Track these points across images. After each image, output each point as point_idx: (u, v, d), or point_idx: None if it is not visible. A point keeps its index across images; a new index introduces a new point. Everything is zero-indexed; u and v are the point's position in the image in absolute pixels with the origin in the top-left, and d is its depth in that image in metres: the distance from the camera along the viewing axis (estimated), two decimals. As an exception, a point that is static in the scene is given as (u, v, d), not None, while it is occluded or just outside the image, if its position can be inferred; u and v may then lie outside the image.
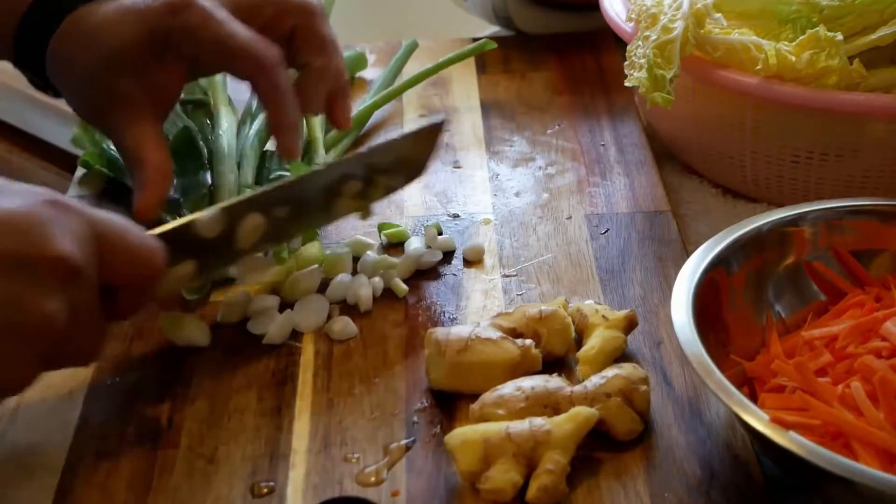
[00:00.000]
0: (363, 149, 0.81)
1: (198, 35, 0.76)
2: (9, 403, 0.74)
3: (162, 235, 0.69)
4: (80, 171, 0.97)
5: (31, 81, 0.85)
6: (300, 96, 0.78)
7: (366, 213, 0.83)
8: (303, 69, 0.80)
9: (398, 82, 1.05)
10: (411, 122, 1.04)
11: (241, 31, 0.76)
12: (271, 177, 0.90)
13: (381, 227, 0.88)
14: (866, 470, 0.57)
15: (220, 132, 0.92)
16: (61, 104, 1.10)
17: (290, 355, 0.77)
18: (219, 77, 0.99)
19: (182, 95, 1.02)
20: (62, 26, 0.79)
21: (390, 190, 0.85)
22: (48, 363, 0.63)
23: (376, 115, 1.04)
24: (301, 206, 0.78)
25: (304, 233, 0.84)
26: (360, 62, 1.10)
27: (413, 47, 1.09)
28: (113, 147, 0.96)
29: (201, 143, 0.93)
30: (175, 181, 0.91)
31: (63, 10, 0.79)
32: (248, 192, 0.78)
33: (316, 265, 0.83)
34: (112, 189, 0.94)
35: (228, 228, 0.74)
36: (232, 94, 0.99)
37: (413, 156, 0.84)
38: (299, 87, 0.79)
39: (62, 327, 0.60)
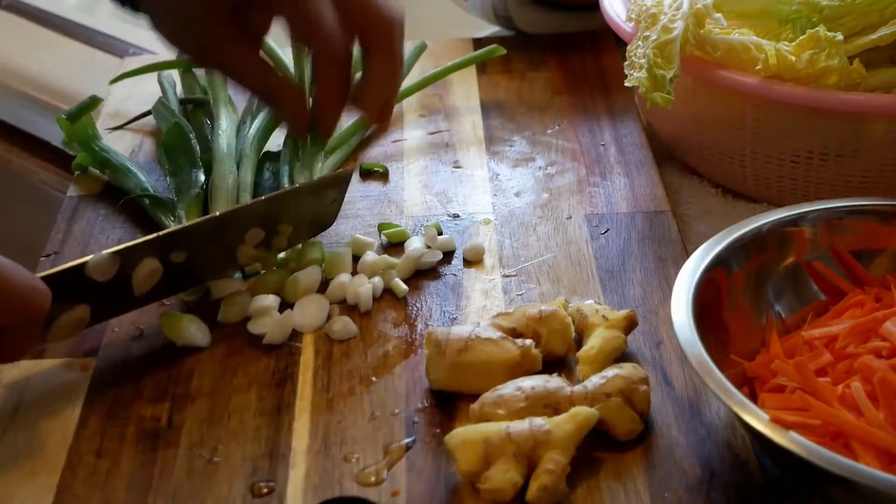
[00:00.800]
0: (266, 196, 0.80)
1: (287, 8, 0.75)
2: (9, 403, 0.74)
3: (51, 277, 0.69)
4: (77, 173, 0.97)
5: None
6: (355, 97, 0.79)
7: (270, 262, 0.83)
8: (366, 74, 0.79)
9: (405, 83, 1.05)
10: (412, 123, 1.04)
11: (328, 16, 0.75)
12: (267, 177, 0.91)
13: (380, 227, 0.88)
14: (866, 470, 0.57)
15: (220, 132, 0.92)
16: (61, 105, 1.10)
17: (290, 355, 0.77)
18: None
19: (181, 94, 1.03)
20: None
21: (294, 240, 0.83)
22: None
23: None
24: (199, 253, 0.78)
25: (207, 281, 0.81)
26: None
27: (421, 49, 1.08)
28: (103, 148, 0.96)
29: (194, 140, 0.93)
30: (168, 180, 0.91)
31: None
32: (148, 236, 0.76)
33: (316, 265, 0.83)
34: (110, 190, 0.94)
35: (123, 273, 0.73)
36: (232, 93, 0.99)
37: (320, 206, 0.84)
38: (356, 90, 0.79)
39: None
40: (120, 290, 0.74)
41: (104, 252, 0.72)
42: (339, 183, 0.84)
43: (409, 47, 1.12)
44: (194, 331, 0.77)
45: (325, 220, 0.86)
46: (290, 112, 0.79)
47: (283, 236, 0.82)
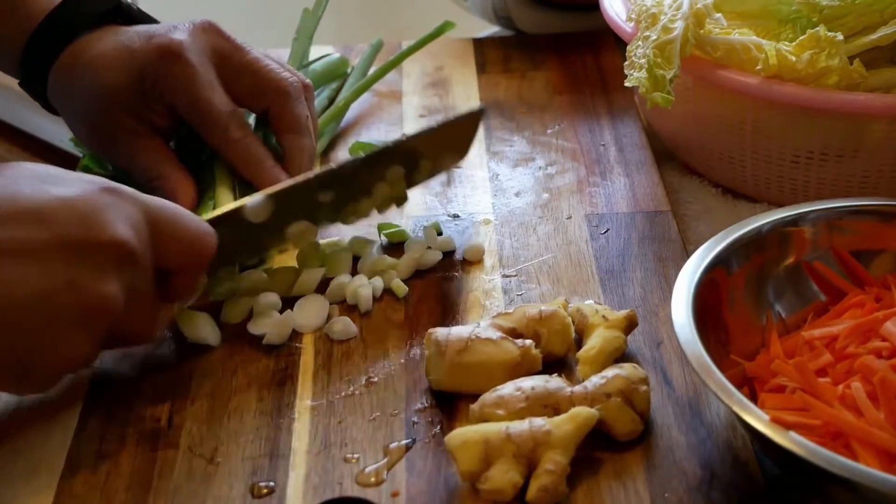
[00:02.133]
0: (402, 136, 0.84)
1: (179, 91, 0.81)
2: (9, 403, 0.74)
3: (212, 221, 0.73)
4: (79, 171, 0.97)
5: (36, 99, 0.88)
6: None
7: (402, 199, 0.86)
8: (279, 143, 0.85)
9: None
10: (411, 123, 1.04)
11: (219, 101, 0.81)
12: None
13: (380, 228, 0.88)
14: (866, 470, 0.57)
15: None
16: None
17: (290, 355, 0.77)
18: None
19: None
20: (61, 58, 0.83)
21: (431, 174, 0.88)
22: (107, 343, 0.67)
23: (375, 115, 1.04)
24: (344, 191, 0.82)
25: (345, 219, 0.85)
26: (343, 65, 1.09)
27: (378, 47, 1.09)
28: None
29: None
30: None
31: (65, 39, 0.83)
32: (299, 178, 0.81)
33: (318, 265, 0.83)
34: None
35: (275, 215, 0.78)
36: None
37: (453, 142, 0.87)
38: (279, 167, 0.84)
39: (119, 309, 0.64)
40: (271, 229, 0.80)
41: (259, 194, 0.78)
42: (472, 120, 0.87)
43: (406, 44, 1.13)
44: (209, 330, 0.77)
45: (459, 154, 0.89)
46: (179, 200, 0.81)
47: (422, 171, 0.87)
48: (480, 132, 1.01)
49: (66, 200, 0.63)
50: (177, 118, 0.84)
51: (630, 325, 0.75)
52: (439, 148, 0.87)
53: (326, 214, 0.83)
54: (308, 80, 0.88)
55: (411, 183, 0.86)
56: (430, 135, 0.85)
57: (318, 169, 0.82)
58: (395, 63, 1.05)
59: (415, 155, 0.85)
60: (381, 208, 0.86)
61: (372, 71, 1.05)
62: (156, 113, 0.83)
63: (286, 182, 0.80)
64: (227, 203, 0.82)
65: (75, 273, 0.63)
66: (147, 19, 0.87)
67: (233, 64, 0.83)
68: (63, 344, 0.64)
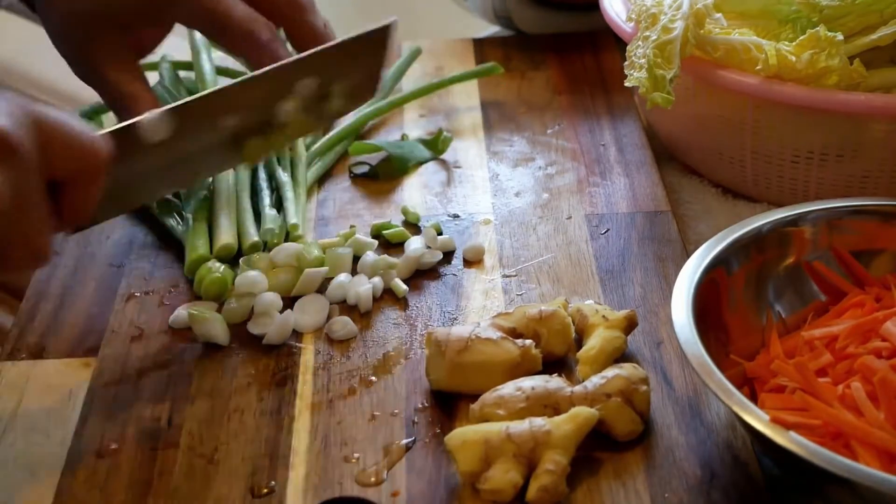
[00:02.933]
0: (309, 52, 0.79)
1: (195, 8, 0.77)
2: (9, 403, 0.74)
3: (108, 133, 0.68)
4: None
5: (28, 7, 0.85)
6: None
7: (326, 123, 0.83)
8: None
9: (400, 86, 1.05)
10: (411, 123, 1.04)
11: (236, 6, 0.77)
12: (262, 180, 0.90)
13: (381, 227, 0.88)
14: (866, 470, 0.57)
15: None
16: (61, 105, 1.10)
17: (290, 355, 0.77)
18: (210, 78, 0.99)
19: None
20: None
21: (346, 106, 0.83)
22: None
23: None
24: (249, 115, 0.77)
25: (265, 147, 0.80)
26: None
27: (416, 53, 1.09)
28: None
29: None
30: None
31: None
32: (200, 94, 0.75)
33: (320, 266, 0.83)
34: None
35: (176, 134, 0.72)
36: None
37: (365, 61, 0.82)
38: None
39: (4, 206, 0.59)
40: (169, 150, 0.73)
41: (159, 110, 0.71)
42: (381, 37, 0.82)
43: (410, 47, 1.12)
44: (219, 328, 0.78)
45: (372, 82, 0.84)
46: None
47: (335, 99, 0.81)
48: (480, 132, 1.01)
49: None
50: (158, 39, 0.82)
51: (630, 325, 0.75)
52: (349, 66, 0.81)
53: (230, 143, 0.77)
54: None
55: (328, 108, 0.81)
56: (336, 49, 0.80)
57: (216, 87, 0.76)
58: (431, 89, 1.04)
59: (325, 70, 0.79)
60: (302, 130, 0.81)
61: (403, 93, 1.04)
62: (153, 30, 0.81)
63: (185, 99, 0.73)
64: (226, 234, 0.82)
65: None
66: None
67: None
68: None
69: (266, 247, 0.85)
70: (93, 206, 0.67)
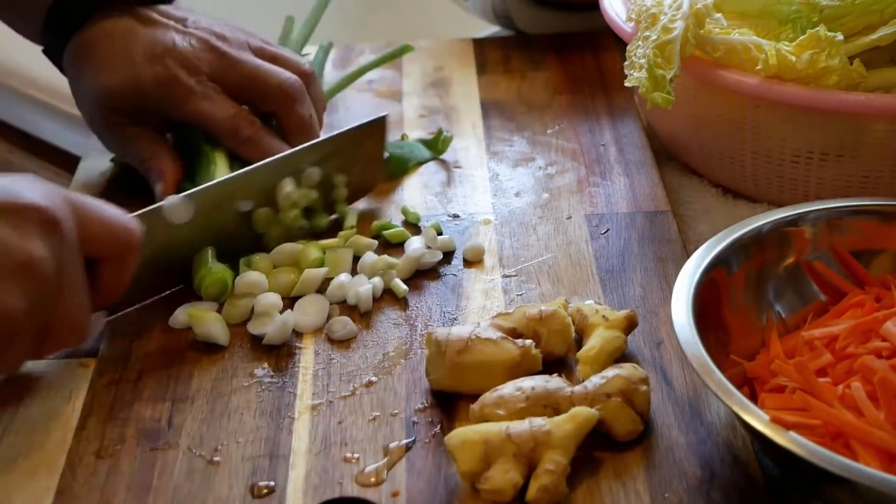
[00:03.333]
0: (313, 142, 0.86)
1: (180, 111, 0.87)
2: (9, 403, 0.74)
3: (136, 215, 0.74)
4: (80, 172, 0.97)
5: (58, 68, 0.93)
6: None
7: (340, 212, 0.88)
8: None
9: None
10: (411, 123, 1.04)
11: (220, 109, 0.87)
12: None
13: (380, 227, 0.88)
14: (866, 470, 0.57)
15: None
16: (61, 105, 1.11)
17: (290, 355, 0.77)
18: None
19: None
20: (72, 42, 0.88)
21: (352, 196, 0.89)
22: (39, 340, 0.67)
23: (374, 114, 1.04)
24: (262, 203, 0.83)
25: (278, 232, 0.85)
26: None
27: (327, 50, 1.09)
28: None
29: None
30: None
31: (79, 18, 0.88)
32: (217, 180, 0.83)
33: (321, 267, 0.83)
34: (111, 190, 0.94)
35: (196, 217, 0.79)
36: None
37: (362, 152, 0.88)
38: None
39: (49, 275, 0.64)
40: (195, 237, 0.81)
41: (180, 195, 0.79)
42: (376, 129, 0.88)
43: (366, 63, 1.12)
44: (219, 329, 0.78)
45: (373, 172, 0.90)
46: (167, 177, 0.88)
47: (340, 188, 0.87)
48: (480, 132, 1.01)
49: None
50: (167, 120, 0.89)
51: (630, 325, 0.75)
52: (348, 157, 0.87)
53: (244, 230, 0.84)
54: (309, 67, 0.92)
55: (333, 201, 0.88)
56: (334, 141, 0.86)
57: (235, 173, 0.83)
58: (353, 77, 1.05)
59: (327, 162, 0.86)
60: (314, 223, 0.87)
61: (334, 81, 1.05)
62: (148, 118, 0.88)
63: (203, 186, 0.81)
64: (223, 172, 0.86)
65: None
66: None
67: (232, 79, 0.88)
68: None
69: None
70: (126, 283, 0.73)
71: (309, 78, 0.91)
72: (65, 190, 0.69)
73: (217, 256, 0.81)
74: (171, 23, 0.89)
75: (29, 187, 0.66)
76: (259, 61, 0.89)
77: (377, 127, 0.89)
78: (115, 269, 0.72)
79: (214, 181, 0.82)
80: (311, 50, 1.07)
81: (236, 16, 0.97)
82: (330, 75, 1.09)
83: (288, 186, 0.83)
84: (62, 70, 0.91)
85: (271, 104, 0.89)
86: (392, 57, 1.06)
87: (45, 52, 0.91)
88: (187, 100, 0.86)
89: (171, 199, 0.78)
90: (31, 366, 0.77)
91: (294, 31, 1.05)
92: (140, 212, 0.76)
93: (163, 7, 0.90)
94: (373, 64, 1.05)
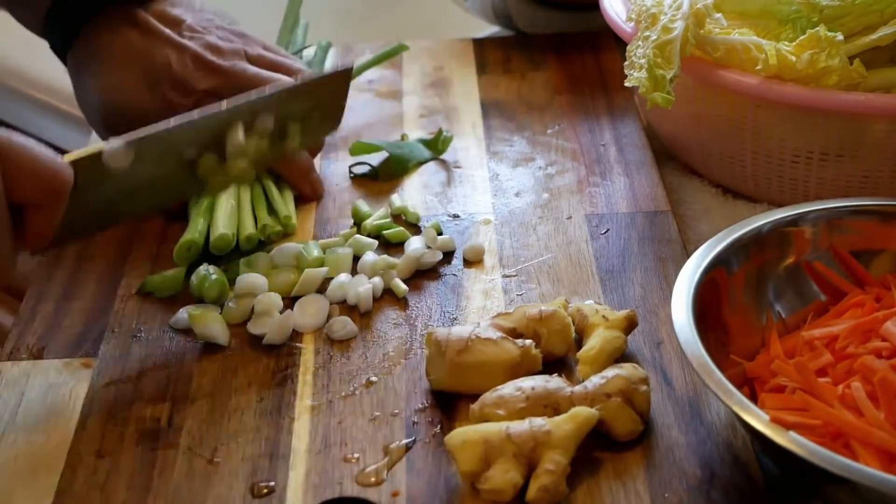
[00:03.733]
0: (268, 91, 0.81)
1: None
2: (9, 403, 0.74)
3: (72, 162, 0.69)
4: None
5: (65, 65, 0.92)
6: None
7: (285, 154, 0.85)
8: None
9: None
10: (411, 123, 1.04)
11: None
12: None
13: (380, 227, 0.88)
14: (866, 470, 0.57)
15: None
16: (61, 105, 1.11)
17: (290, 355, 0.77)
18: None
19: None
20: (75, 47, 0.88)
21: (305, 141, 0.87)
22: None
23: (375, 115, 1.04)
24: (210, 148, 0.79)
25: (209, 187, 0.82)
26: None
27: (326, 48, 1.08)
28: None
29: None
30: None
31: (79, 20, 0.88)
32: (161, 124, 0.76)
33: (321, 267, 0.83)
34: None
35: (137, 163, 0.74)
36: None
37: (323, 104, 0.86)
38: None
39: None
40: (136, 186, 0.76)
41: (120, 139, 0.73)
42: (338, 79, 0.86)
43: (409, 47, 1.12)
44: (219, 329, 0.78)
45: (333, 119, 0.88)
46: None
47: (294, 138, 0.84)
48: (480, 132, 1.01)
49: None
50: None
51: (630, 325, 0.75)
52: (308, 108, 0.85)
53: (193, 172, 0.79)
54: (301, 66, 0.91)
55: (283, 146, 0.84)
56: (294, 89, 0.83)
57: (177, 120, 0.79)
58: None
59: (283, 110, 0.82)
60: (257, 166, 0.83)
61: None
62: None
63: (147, 129, 0.76)
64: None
65: None
66: None
67: (229, 91, 0.86)
68: None
69: (263, 242, 0.86)
70: (53, 229, 0.69)
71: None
72: None
73: (155, 201, 0.80)
74: (168, 32, 0.88)
75: None
76: (254, 69, 0.89)
77: (341, 77, 0.87)
78: (42, 215, 0.68)
79: (160, 127, 0.76)
80: (309, 50, 1.07)
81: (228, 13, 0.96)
82: None
83: (238, 134, 0.79)
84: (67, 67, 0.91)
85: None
86: (387, 56, 1.06)
87: (52, 47, 0.91)
88: (185, 106, 0.86)
89: (112, 144, 0.73)
90: (31, 366, 0.77)
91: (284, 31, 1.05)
92: (76, 155, 0.71)
93: (162, 8, 0.89)
94: (368, 64, 1.05)
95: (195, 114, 0.77)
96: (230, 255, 0.85)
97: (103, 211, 0.76)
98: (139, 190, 0.76)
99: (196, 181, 0.80)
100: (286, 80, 0.88)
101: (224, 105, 0.78)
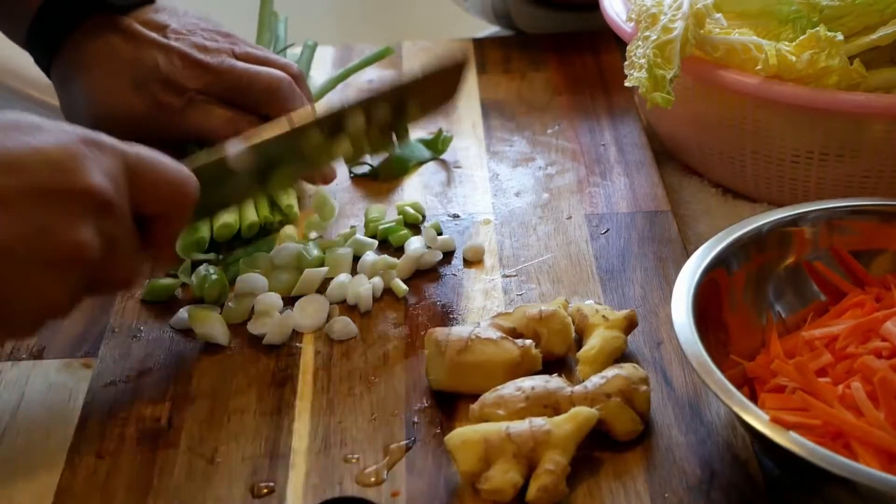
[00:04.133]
0: (388, 86, 0.84)
1: (174, 128, 0.87)
2: (9, 403, 0.74)
3: (195, 170, 0.72)
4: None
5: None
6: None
7: (403, 137, 0.86)
8: None
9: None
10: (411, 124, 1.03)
11: (213, 118, 0.87)
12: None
13: (389, 232, 0.88)
14: (866, 470, 0.57)
15: None
16: (56, 103, 1.10)
17: (290, 355, 0.77)
18: None
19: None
20: (57, 61, 0.88)
21: (420, 117, 0.87)
22: (90, 289, 0.67)
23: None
24: (334, 135, 0.82)
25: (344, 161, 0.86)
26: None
27: (313, 48, 1.08)
28: None
29: None
30: None
31: (61, 34, 0.87)
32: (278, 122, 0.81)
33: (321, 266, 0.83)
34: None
35: (259, 167, 0.79)
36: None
37: (439, 89, 0.87)
38: None
39: (97, 255, 0.64)
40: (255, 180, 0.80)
41: (242, 144, 0.77)
42: (458, 68, 0.87)
43: (409, 47, 1.12)
44: (219, 329, 0.78)
45: (446, 100, 0.88)
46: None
47: (411, 112, 0.85)
48: (480, 132, 1.01)
49: (41, 149, 0.64)
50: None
51: (630, 325, 0.75)
52: (426, 94, 0.86)
53: (316, 158, 0.83)
54: (297, 69, 0.91)
55: (400, 126, 0.86)
56: (416, 81, 0.85)
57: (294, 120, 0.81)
58: (339, 80, 1.04)
59: (402, 100, 0.84)
60: (375, 150, 0.86)
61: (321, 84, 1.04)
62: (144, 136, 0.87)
63: (269, 132, 0.80)
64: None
65: (47, 220, 0.63)
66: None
67: (220, 88, 0.87)
68: (36, 289, 0.63)
69: (265, 229, 0.87)
70: (177, 240, 0.73)
71: (299, 79, 0.91)
72: (123, 148, 0.68)
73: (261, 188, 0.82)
74: (153, 35, 0.87)
75: (86, 160, 0.64)
76: (243, 65, 0.88)
77: (456, 70, 0.87)
78: (168, 227, 0.71)
79: (281, 130, 0.80)
80: (296, 50, 1.07)
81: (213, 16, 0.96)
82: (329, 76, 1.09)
83: (360, 118, 0.82)
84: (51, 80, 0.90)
85: (264, 105, 0.88)
86: (373, 60, 1.06)
87: (36, 61, 0.91)
88: (179, 118, 0.86)
89: (235, 148, 0.77)
90: (31, 366, 0.77)
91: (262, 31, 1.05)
92: (200, 163, 0.75)
93: (145, 16, 0.89)
94: (356, 67, 1.05)
95: (316, 109, 0.81)
96: (232, 246, 0.85)
97: (215, 209, 0.81)
98: (252, 183, 0.80)
99: (302, 161, 0.83)
100: (290, 88, 0.88)
101: (341, 103, 0.82)
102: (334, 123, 0.81)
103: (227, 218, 0.84)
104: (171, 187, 0.70)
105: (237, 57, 0.90)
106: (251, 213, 0.86)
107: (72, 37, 0.87)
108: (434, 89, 0.86)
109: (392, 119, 0.84)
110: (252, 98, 0.88)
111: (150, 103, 0.86)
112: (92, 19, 0.87)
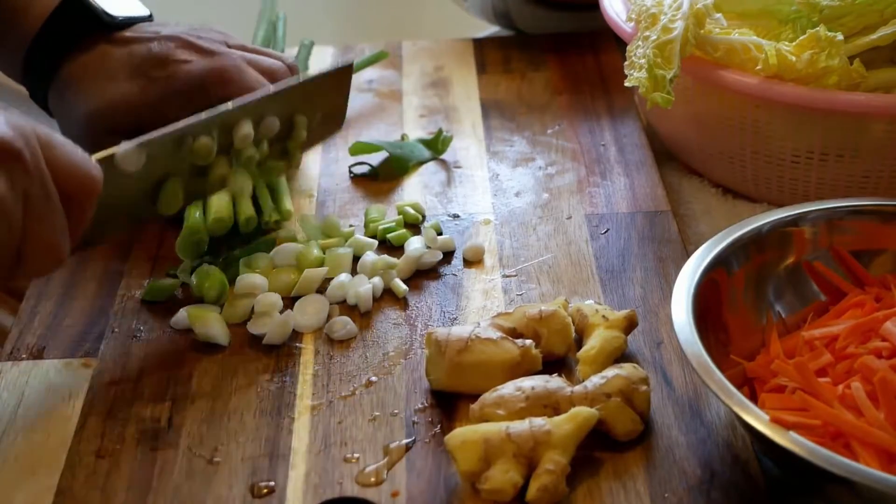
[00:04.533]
0: (272, 89, 0.83)
1: (168, 91, 0.84)
2: (9, 403, 0.74)
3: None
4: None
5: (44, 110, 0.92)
6: None
7: (294, 159, 0.86)
8: None
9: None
10: (411, 123, 1.04)
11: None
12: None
13: (388, 231, 0.88)
14: (866, 470, 0.57)
15: None
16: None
17: (290, 355, 0.77)
18: None
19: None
20: (53, 85, 0.87)
21: (311, 141, 0.87)
22: (19, 259, 0.65)
23: (375, 115, 1.04)
24: (224, 148, 0.80)
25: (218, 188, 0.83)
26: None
27: (310, 47, 1.09)
28: None
29: None
30: None
31: (56, 59, 0.87)
32: (170, 127, 0.78)
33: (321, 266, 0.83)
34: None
35: (148, 167, 0.75)
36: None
37: (326, 100, 0.87)
38: None
39: (10, 207, 0.63)
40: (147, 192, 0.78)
41: (132, 142, 0.75)
42: (340, 76, 0.87)
43: (409, 47, 1.12)
44: (219, 329, 0.78)
45: (336, 118, 0.89)
46: None
47: (300, 131, 0.85)
48: (480, 132, 1.01)
49: None
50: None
51: (630, 325, 0.75)
52: (312, 105, 0.85)
53: (209, 176, 0.81)
54: (293, 62, 0.91)
55: (291, 145, 0.85)
56: (298, 87, 0.84)
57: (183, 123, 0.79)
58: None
59: (287, 109, 0.83)
60: (264, 167, 0.84)
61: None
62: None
63: (159, 131, 0.77)
64: (221, 207, 0.84)
65: None
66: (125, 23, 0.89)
67: (210, 74, 0.85)
68: None
69: (262, 225, 0.87)
70: (87, 224, 0.70)
71: (293, 70, 0.90)
72: (33, 123, 0.67)
73: (169, 203, 0.80)
74: (145, 36, 0.87)
75: None
76: (240, 52, 0.88)
77: (342, 74, 0.87)
78: (79, 208, 0.69)
79: (168, 129, 0.77)
80: (324, 52, 1.07)
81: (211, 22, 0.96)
82: None
83: (246, 127, 0.80)
84: (50, 113, 0.90)
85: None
86: (367, 63, 1.06)
87: (31, 96, 0.90)
88: (170, 79, 0.84)
89: (124, 147, 0.74)
90: (31, 366, 0.77)
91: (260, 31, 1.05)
92: (97, 156, 0.73)
93: (140, 28, 0.88)
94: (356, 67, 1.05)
95: (203, 114, 0.78)
96: (232, 243, 0.85)
97: (125, 212, 0.78)
98: (153, 192, 0.78)
99: (202, 182, 0.81)
100: (286, 76, 0.87)
101: (231, 105, 0.79)
102: (222, 132, 0.80)
103: (221, 212, 0.83)
104: (82, 165, 0.68)
105: (232, 48, 0.89)
106: (248, 208, 0.85)
107: (70, 55, 0.86)
108: (321, 97, 0.86)
109: (282, 132, 0.83)
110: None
111: (145, 85, 0.85)
112: (86, 41, 0.86)
